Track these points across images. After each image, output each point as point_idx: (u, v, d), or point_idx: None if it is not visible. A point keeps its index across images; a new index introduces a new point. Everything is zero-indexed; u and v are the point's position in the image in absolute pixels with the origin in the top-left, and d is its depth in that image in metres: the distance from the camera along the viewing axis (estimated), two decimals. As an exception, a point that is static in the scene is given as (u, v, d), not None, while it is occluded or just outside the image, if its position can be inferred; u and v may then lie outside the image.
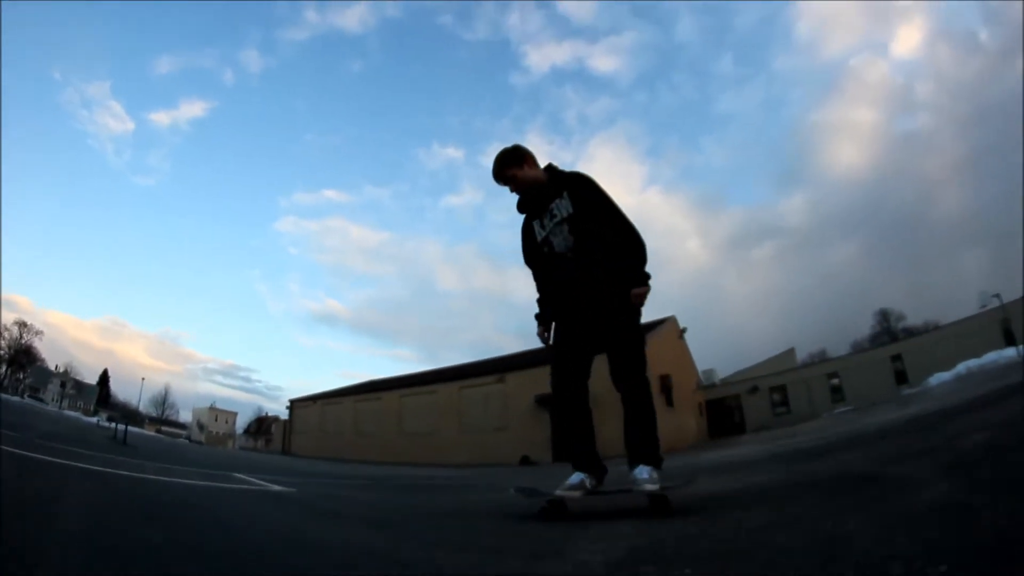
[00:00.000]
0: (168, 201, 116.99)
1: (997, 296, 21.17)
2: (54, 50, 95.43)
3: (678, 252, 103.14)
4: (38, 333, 60.83)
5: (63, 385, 63.39)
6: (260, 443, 72.42)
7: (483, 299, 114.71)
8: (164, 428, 52.76)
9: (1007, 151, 67.78)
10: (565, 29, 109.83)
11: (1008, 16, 73.30)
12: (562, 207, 2.33)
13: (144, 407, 68.41)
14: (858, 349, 37.19)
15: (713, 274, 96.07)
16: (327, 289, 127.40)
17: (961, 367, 15.64)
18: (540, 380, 19.52)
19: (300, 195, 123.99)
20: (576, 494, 2.15)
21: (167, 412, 73.70)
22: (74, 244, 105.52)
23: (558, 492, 2.17)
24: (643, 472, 2.02)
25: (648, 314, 2.35)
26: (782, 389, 27.56)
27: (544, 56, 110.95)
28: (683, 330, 24.46)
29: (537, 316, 2.49)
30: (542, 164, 2.52)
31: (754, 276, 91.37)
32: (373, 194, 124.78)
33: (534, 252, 2.47)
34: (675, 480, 2.22)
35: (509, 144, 2.57)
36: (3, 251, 76.47)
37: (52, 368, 63.44)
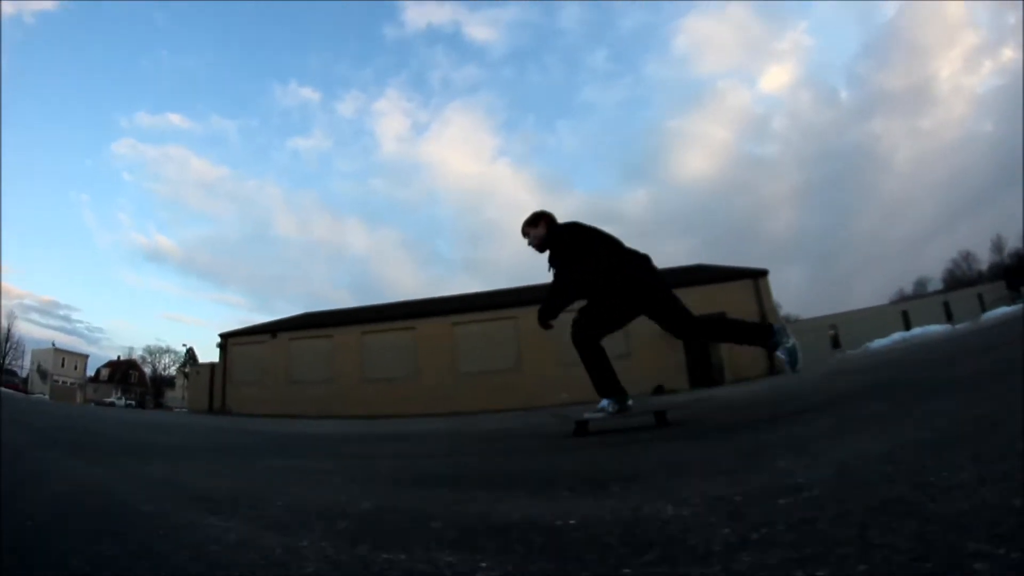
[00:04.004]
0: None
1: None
2: None
3: (516, 225, 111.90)
4: None
5: None
6: (118, 393, 56.66)
7: (319, 250, 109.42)
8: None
9: (835, 191, 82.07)
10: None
11: (869, 86, 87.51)
12: (556, 257, 3.32)
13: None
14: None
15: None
16: (158, 224, 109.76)
17: (897, 336, 17.48)
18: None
19: (143, 116, 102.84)
20: (599, 415, 3.01)
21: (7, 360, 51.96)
22: None
23: (585, 415, 3.03)
24: (603, 402, 3.07)
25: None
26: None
27: (422, 13, 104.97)
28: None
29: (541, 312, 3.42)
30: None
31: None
32: (220, 125, 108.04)
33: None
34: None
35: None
36: None
37: None
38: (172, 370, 64.70)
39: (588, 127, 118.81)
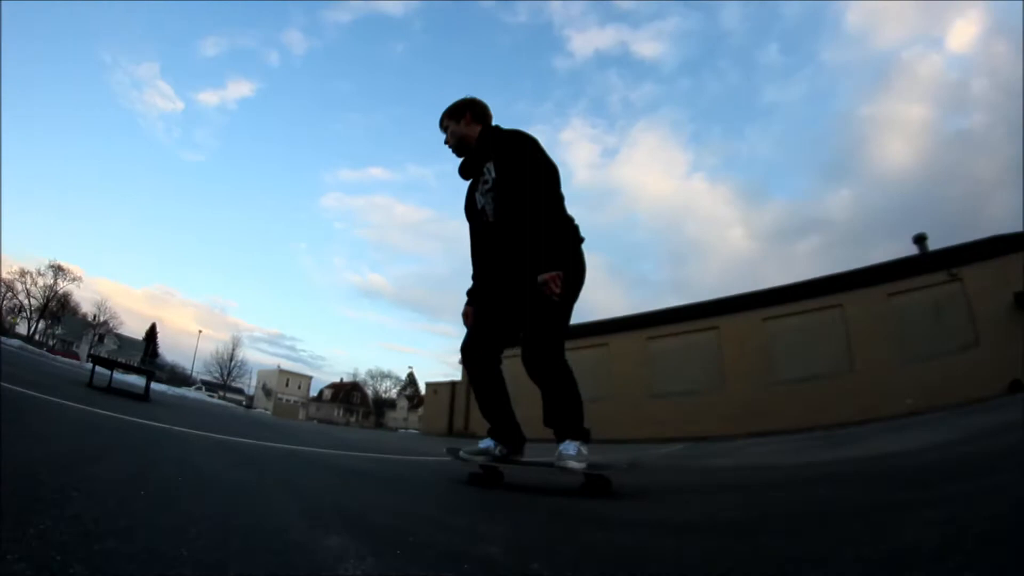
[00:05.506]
0: (217, 177, 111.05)
1: None
2: (102, 33, 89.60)
3: (720, 240, 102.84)
4: (75, 279, 49.99)
5: (100, 338, 52.19)
6: (339, 413, 61.73)
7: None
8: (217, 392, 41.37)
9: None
10: (607, 13, 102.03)
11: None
12: (491, 172, 2.21)
13: (198, 369, 56.43)
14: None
15: (754, 264, 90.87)
16: (371, 264, 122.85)
17: None
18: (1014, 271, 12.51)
19: (345, 172, 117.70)
20: (479, 459, 2.18)
21: (232, 377, 60.50)
22: (125, 217, 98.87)
23: (461, 454, 2.26)
24: (569, 448, 1.96)
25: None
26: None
27: (587, 40, 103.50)
28: None
29: (468, 292, 2.39)
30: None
31: (798, 268, 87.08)
32: (416, 172, 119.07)
33: (471, 221, 2.36)
34: (614, 463, 2.11)
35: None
36: (58, 224, 76.07)
37: (90, 318, 52.66)
38: (393, 393, 69.42)
39: (776, 128, 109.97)
